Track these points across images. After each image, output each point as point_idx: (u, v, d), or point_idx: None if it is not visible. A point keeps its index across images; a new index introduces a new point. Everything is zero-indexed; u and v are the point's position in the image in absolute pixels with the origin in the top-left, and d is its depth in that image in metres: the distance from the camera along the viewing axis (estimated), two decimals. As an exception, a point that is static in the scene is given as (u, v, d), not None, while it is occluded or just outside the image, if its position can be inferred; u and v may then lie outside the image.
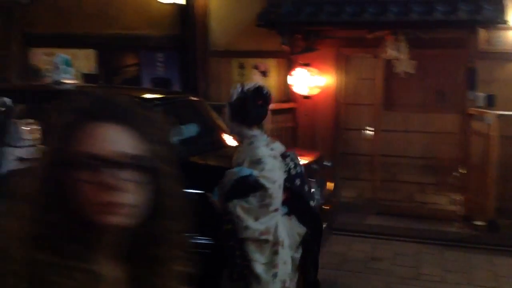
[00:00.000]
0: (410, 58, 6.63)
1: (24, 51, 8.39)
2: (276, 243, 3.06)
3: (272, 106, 6.81)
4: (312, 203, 3.35)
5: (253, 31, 7.09)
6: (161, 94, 5.20)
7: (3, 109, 4.04)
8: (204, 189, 4.05)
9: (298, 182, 3.24)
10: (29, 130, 4.66)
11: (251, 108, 3.14)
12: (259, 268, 3.01)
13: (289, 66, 7.13)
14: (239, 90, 3.17)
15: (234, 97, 3.17)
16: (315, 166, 4.63)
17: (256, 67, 7.40)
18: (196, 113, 5.17)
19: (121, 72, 8.39)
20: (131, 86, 7.40)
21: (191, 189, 3.95)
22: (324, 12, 6.56)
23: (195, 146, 4.65)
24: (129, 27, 7.89)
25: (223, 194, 3.14)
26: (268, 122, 3.44)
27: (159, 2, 7.22)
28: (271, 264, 3.04)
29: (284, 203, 3.17)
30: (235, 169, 3.15)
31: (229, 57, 7.52)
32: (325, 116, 7.19)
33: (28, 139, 4.63)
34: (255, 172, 3.03)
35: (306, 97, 6.94)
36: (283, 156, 3.24)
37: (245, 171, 3.07)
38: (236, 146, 4.89)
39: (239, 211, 3.02)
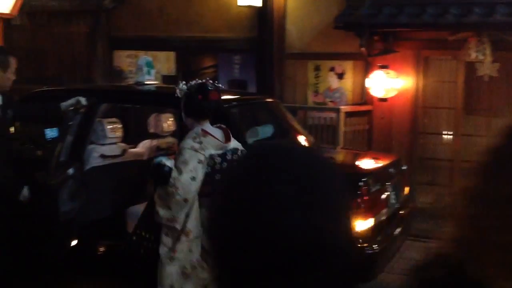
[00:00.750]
0: (493, 60, 6.38)
1: (109, 53, 8.76)
2: (181, 231, 3.21)
3: (347, 108, 6.87)
4: None
5: (330, 33, 7.06)
6: (238, 95, 5.28)
7: (82, 109, 4.24)
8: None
9: (218, 176, 3.27)
10: (112, 128, 4.88)
11: (194, 103, 3.31)
12: (162, 249, 3.26)
13: (366, 68, 7.04)
14: (184, 87, 3.40)
15: (182, 94, 3.39)
16: (391, 170, 4.55)
17: (332, 69, 7.36)
18: (271, 114, 5.22)
19: (199, 74, 8.58)
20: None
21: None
22: (405, 14, 6.44)
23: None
24: (208, 30, 8.06)
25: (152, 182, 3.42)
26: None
27: (238, 5, 7.33)
28: (171, 249, 3.24)
29: (207, 195, 3.23)
30: (157, 158, 3.38)
31: (305, 59, 7.53)
32: (402, 120, 7.04)
33: (111, 137, 4.85)
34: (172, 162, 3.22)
35: (382, 100, 6.83)
36: (224, 152, 3.33)
37: (159, 160, 3.28)
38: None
39: (155, 197, 3.25)
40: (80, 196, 4.18)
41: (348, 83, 7.31)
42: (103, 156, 4.74)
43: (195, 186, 3.21)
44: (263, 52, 7.59)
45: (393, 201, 4.44)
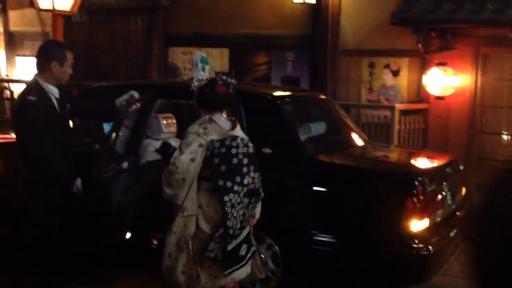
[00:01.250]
0: (559, 58, 6.12)
1: (164, 50, 8.90)
2: (180, 208, 3.51)
3: (402, 106, 6.74)
4: (220, 183, 3.47)
5: (386, 29, 6.94)
6: (291, 91, 5.27)
7: (136, 103, 4.31)
8: (329, 187, 4.06)
9: (216, 160, 3.48)
10: (167, 123, 4.95)
11: (204, 96, 3.63)
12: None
13: (423, 66, 6.89)
14: (196, 83, 3.72)
15: (196, 88, 3.70)
16: (448, 169, 4.44)
17: (387, 66, 7.23)
18: (324, 111, 5.18)
19: (252, 71, 8.60)
20: (261, 84, 7.57)
21: (315, 186, 4.03)
22: (464, 10, 6.25)
23: (323, 144, 4.66)
24: (262, 27, 8.06)
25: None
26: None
27: (292, 2, 7.31)
28: (171, 222, 3.57)
29: (208, 179, 3.52)
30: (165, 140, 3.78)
31: (359, 56, 7.43)
32: (459, 119, 6.86)
33: (166, 132, 4.92)
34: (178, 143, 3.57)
35: (439, 98, 6.66)
36: (224, 139, 3.53)
37: (166, 140, 3.72)
38: (361, 145, 4.86)
39: (162, 175, 3.53)
40: (135, 189, 4.26)
41: (403, 80, 7.17)
42: (158, 151, 4.81)
43: (194, 167, 3.46)
44: (316, 49, 7.53)
45: (449, 201, 4.32)
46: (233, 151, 3.51)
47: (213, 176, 3.50)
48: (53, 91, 3.74)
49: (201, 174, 3.50)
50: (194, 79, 3.80)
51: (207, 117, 3.61)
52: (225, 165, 3.48)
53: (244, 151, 3.53)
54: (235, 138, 3.58)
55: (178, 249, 3.55)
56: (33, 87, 3.70)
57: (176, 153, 3.49)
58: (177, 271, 3.54)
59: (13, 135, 5.65)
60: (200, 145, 3.50)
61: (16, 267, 4.79)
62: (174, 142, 3.67)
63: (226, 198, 3.45)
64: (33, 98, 3.59)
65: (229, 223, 3.44)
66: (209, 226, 3.53)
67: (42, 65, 3.74)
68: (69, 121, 4.02)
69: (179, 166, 3.44)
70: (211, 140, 3.52)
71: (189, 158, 3.45)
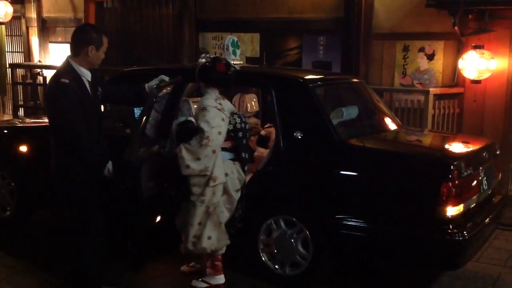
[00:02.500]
0: None
1: (195, 35, 8.89)
2: (209, 178, 3.81)
3: (436, 91, 6.61)
4: (244, 155, 4.03)
5: (421, 12, 6.78)
6: (322, 75, 5.19)
7: (166, 87, 4.31)
8: (361, 171, 4.00)
9: (240, 134, 4.00)
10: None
11: (207, 71, 3.99)
12: (193, 197, 3.86)
13: (459, 49, 6.72)
14: (203, 60, 4.08)
15: (201, 63, 4.06)
16: (484, 154, 4.32)
17: (422, 50, 7.08)
18: (357, 95, 5.10)
19: (283, 56, 8.53)
20: (292, 67, 7.50)
21: (347, 171, 3.97)
22: (502, -10, 6.07)
23: (355, 128, 4.59)
24: (294, 11, 7.98)
25: (172, 141, 3.91)
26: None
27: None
28: (201, 194, 3.85)
29: (230, 150, 3.99)
30: (176, 119, 4.01)
31: (393, 39, 7.28)
32: (496, 103, 6.68)
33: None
34: (198, 118, 3.84)
35: (475, 82, 6.50)
36: (232, 113, 4.00)
37: (183, 118, 3.94)
38: (394, 130, 4.78)
39: (183, 152, 3.75)
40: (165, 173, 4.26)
41: (438, 64, 7.01)
42: (178, 128, 4.80)
43: (221, 140, 3.85)
44: (349, 33, 7.41)
45: (485, 187, 4.22)
46: (247, 126, 4.07)
47: (239, 148, 3.99)
48: (86, 74, 3.76)
49: (224, 145, 3.92)
50: (202, 55, 4.18)
51: (217, 92, 3.99)
52: (245, 139, 4.03)
53: (248, 127, 4.13)
54: (243, 114, 4.10)
55: (207, 216, 3.88)
56: (66, 70, 3.71)
57: (206, 128, 3.75)
58: (203, 237, 3.89)
59: (46, 120, 5.76)
60: (223, 119, 3.87)
61: (52, 251, 4.89)
62: (187, 118, 3.96)
63: (246, 168, 4.06)
64: (66, 81, 3.61)
65: (244, 191, 4.02)
66: (235, 192, 3.99)
67: (78, 49, 3.73)
68: (101, 105, 4.03)
69: (211, 139, 3.75)
70: (232, 114, 3.98)
71: (217, 132, 3.79)
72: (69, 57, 3.77)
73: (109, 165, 3.76)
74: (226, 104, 4.01)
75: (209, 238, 3.90)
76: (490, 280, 4.50)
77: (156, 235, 4.63)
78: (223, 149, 3.93)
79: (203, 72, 4.02)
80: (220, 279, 4.12)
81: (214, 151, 3.80)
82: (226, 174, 3.95)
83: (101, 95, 3.91)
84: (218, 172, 3.87)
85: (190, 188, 3.86)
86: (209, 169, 3.79)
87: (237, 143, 4.00)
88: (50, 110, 3.77)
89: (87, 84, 3.75)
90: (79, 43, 3.74)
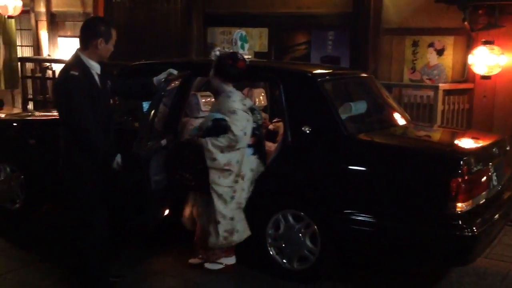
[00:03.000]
0: None
1: (203, 30, 8.88)
2: (238, 175, 4.08)
3: (446, 86, 6.57)
4: (263, 149, 4.37)
5: (431, 6, 6.75)
6: (331, 69, 5.17)
7: (174, 80, 4.30)
8: (370, 166, 3.99)
9: (259, 131, 4.32)
10: (205, 102, 4.94)
11: (227, 67, 4.11)
12: (221, 189, 4.03)
13: (468, 44, 6.68)
14: (218, 53, 4.18)
15: (215, 57, 4.16)
16: (494, 150, 4.29)
17: (431, 45, 7.04)
18: (366, 90, 5.07)
19: (291, 51, 8.52)
20: (301, 62, 7.48)
21: (355, 166, 3.96)
22: (512, -15, 6.03)
23: (364, 123, 4.57)
24: (303, 6, 7.95)
25: (200, 131, 4.15)
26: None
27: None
28: (231, 189, 4.07)
29: (251, 145, 4.22)
30: (212, 114, 4.15)
31: (402, 34, 7.26)
32: (506, 99, 6.66)
33: (205, 111, 4.91)
34: (228, 119, 4.01)
35: (485, 77, 6.46)
36: (252, 109, 4.21)
37: (219, 115, 4.06)
38: (403, 125, 4.76)
39: (210, 146, 3.97)
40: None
41: (447, 59, 6.98)
42: (211, 125, 4.80)
43: (247, 139, 4.11)
44: (358, 28, 7.39)
45: (495, 183, 4.19)
46: (262, 120, 4.38)
47: (261, 144, 4.32)
48: (95, 67, 3.75)
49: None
50: (214, 51, 4.23)
51: (239, 92, 4.22)
52: (261, 135, 4.31)
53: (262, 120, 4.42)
54: (258, 108, 4.39)
55: (239, 211, 4.13)
56: (75, 62, 3.71)
57: (234, 128, 3.99)
58: (234, 231, 4.11)
59: (55, 113, 5.77)
60: (248, 120, 4.11)
61: (59, 244, 4.91)
62: (227, 118, 4.06)
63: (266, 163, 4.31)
64: (75, 73, 3.60)
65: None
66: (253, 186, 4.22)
67: (87, 41, 3.73)
68: (110, 98, 4.02)
69: (239, 140, 4.01)
70: (253, 113, 4.21)
71: (243, 133, 4.04)
72: (78, 50, 3.76)
73: (118, 158, 3.75)
74: (248, 102, 4.23)
75: (237, 231, 4.12)
76: (499, 276, 4.48)
77: (163, 228, 4.64)
78: (247, 145, 4.17)
79: (222, 67, 4.13)
80: (233, 259, 4.32)
81: (238, 149, 4.06)
82: (251, 170, 4.19)
83: (110, 88, 3.91)
84: (246, 170, 4.14)
85: (215, 180, 4.03)
86: (233, 164, 4.03)
87: (259, 138, 4.31)
88: (59, 102, 3.77)
89: (96, 77, 3.74)
90: (88, 36, 3.73)
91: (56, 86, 3.83)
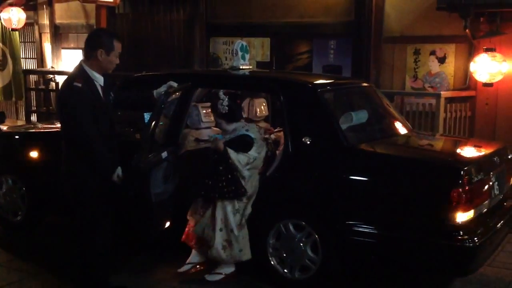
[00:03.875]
0: None
1: (206, 40, 8.91)
2: (245, 194, 4.21)
3: (448, 94, 6.56)
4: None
5: (432, 14, 6.76)
6: (332, 79, 5.17)
7: (175, 93, 4.31)
8: (371, 177, 3.98)
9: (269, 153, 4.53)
10: (206, 113, 4.94)
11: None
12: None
13: (470, 52, 6.68)
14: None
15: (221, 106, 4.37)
16: (495, 159, 4.27)
17: (433, 53, 7.04)
18: (367, 99, 5.07)
19: (293, 60, 8.53)
20: (302, 72, 7.49)
21: (356, 176, 3.95)
22: (513, -7, 6.02)
23: (365, 133, 4.56)
24: (305, 15, 7.97)
25: (227, 142, 4.26)
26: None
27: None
28: (243, 203, 4.25)
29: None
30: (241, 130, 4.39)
31: (404, 43, 7.26)
32: (508, 106, 6.64)
33: (206, 122, 4.92)
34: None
35: (487, 85, 6.45)
36: (265, 139, 4.58)
37: (246, 132, 4.34)
38: (405, 134, 4.74)
39: (232, 155, 4.15)
40: (174, 178, 4.27)
41: (449, 67, 6.98)
42: (197, 140, 4.82)
43: (259, 162, 4.34)
44: (359, 37, 7.40)
45: (496, 192, 4.17)
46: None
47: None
48: (99, 79, 3.77)
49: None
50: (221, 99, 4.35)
51: (252, 124, 4.62)
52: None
53: None
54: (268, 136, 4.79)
55: (240, 228, 4.19)
56: (79, 74, 3.73)
57: (254, 153, 4.25)
58: (235, 248, 4.17)
59: (58, 125, 5.79)
60: (262, 146, 4.41)
61: (61, 255, 4.91)
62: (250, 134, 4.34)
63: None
64: (79, 84, 3.62)
65: None
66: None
67: (89, 52, 3.75)
68: (112, 110, 4.03)
69: (256, 165, 4.27)
70: (266, 142, 4.55)
71: (259, 155, 4.32)
72: (82, 61, 3.79)
73: (119, 170, 3.76)
74: (262, 131, 4.72)
75: (240, 250, 4.19)
76: (502, 285, 4.45)
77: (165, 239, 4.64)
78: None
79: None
80: (232, 267, 4.32)
81: (256, 168, 4.31)
82: (255, 192, 4.30)
83: (113, 100, 3.92)
84: (252, 191, 4.24)
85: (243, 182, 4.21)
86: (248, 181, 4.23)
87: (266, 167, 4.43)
88: (62, 113, 3.77)
89: (99, 89, 3.76)
90: (90, 47, 3.76)
91: (60, 97, 3.86)
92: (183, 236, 4.45)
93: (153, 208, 3.99)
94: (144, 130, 4.15)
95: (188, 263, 4.48)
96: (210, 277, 4.31)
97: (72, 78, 3.71)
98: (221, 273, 4.31)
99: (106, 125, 3.77)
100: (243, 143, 4.26)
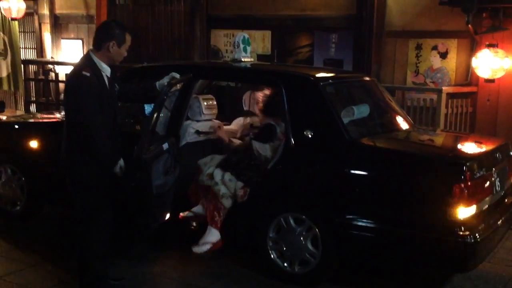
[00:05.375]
0: None
1: (206, 32, 8.87)
2: None
3: (449, 89, 6.54)
4: None
5: (435, 9, 6.73)
6: (333, 73, 5.15)
7: (177, 84, 4.29)
8: (372, 171, 3.96)
9: None
10: (207, 105, 4.92)
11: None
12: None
13: (472, 47, 6.66)
14: None
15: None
16: (497, 155, 4.26)
17: (435, 48, 7.02)
18: (368, 93, 5.04)
19: (294, 53, 8.50)
20: (303, 65, 7.46)
21: (358, 170, 3.94)
22: (517, -12, 6.00)
23: (366, 127, 4.54)
24: (306, 8, 7.94)
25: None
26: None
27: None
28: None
29: None
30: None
31: (406, 37, 7.23)
32: (509, 102, 6.62)
33: (207, 114, 4.90)
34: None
35: (489, 81, 6.43)
36: None
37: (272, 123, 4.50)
38: (406, 129, 4.74)
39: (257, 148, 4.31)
40: (175, 170, 4.25)
41: (451, 62, 6.95)
42: (198, 133, 4.80)
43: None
44: (361, 30, 7.37)
45: (498, 188, 4.16)
46: None
47: None
48: (106, 70, 3.76)
49: None
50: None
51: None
52: None
53: None
54: None
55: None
56: (87, 63, 3.71)
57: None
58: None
59: (58, 115, 5.77)
60: None
61: (60, 246, 4.90)
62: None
63: None
64: (87, 74, 3.61)
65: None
66: None
67: (100, 43, 3.74)
68: (117, 101, 4.01)
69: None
70: None
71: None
72: (90, 51, 3.77)
73: (121, 162, 3.75)
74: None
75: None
76: (502, 281, 4.45)
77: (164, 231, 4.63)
78: None
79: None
80: (217, 234, 4.24)
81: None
82: None
83: (118, 92, 3.91)
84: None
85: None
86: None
87: None
88: (68, 102, 3.75)
89: (106, 80, 3.75)
90: (101, 38, 3.75)
91: (68, 86, 3.81)
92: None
93: (153, 200, 3.97)
94: (146, 121, 4.13)
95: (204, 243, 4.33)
96: (197, 249, 4.27)
97: (80, 67, 3.70)
98: (207, 242, 4.26)
99: (110, 115, 3.76)
100: (266, 133, 4.48)
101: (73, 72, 3.77)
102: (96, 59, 3.72)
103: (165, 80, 4.08)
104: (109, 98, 3.76)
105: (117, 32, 3.75)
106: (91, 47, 3.84)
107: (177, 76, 4.14)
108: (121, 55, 3.80)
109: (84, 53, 3.83)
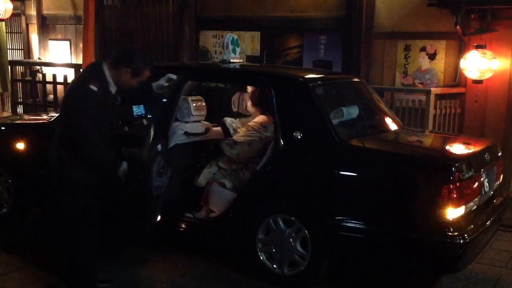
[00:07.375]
0: None
1: (195, 33, 8.83)
2: None
3: (438, 90, 6.57)
4: None
5: (423, 10, 6.73)
6: (323, 74, 5.15)
7: (167, 84, 4.27)
8: (361, 172, 3.96)
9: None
10: (196, 106, 4.90)
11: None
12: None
13: (461, 49, 6.68)
14: None
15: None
16: (486, 155, 4.27)
17: (423, 49, 7.03)
18: (358, 94, 5.05)
19: (283, 54, 8.48)
20: (292, 66, 7.45)
21: (347, 171, 3.93)
22: (506, -11, 6.03)
23: (356, 128, 4.54)
24: (295, 9, 7.93)
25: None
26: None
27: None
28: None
29: None
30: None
31: (394, 38, 7.23)
32: (497, 103, 6.64)
33: (195, 115, 4.88)
34: None
35: (477, 82, 6.45)
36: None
37: None
38: (395, 130, 4.75)
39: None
40: (167, 172, 4.22)
41: (440, 64, 6.97)
42: (187, 134, 4.78)
43: None
44: (350, 32, 7.36)
45: (486, 189, 4.17)
46: None
47: None
48: (112, 87, 3.71)
49: None
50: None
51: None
52: None
53: None
54: None
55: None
56: (96, 75, 3.64)
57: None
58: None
59: (45, 117, 5.71)
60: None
61: (47, 249, 4.85)
62: None
63: None
64: (95, 88, 3.55)
65: None
66: None
67: (117, 64, 3.68)
68: (117, 114, 3.97)
69: None
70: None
71: None
72: (105, 63, 3.71)
73: (124, 165, 3.70)
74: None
75: None
76: (491, 281, 4.46)
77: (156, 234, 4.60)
78: None
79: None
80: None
81: None
82: None
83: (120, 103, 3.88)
84: None
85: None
86: None
87: None
88: (68, 111, 3.66)
89: (111, 92, 3.70)
90: (120, 60, 3.70)
91: (70, 93, 3.72)
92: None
93: (150, 202, 3.94)
94: (149, 123, 4.09)
95: None
96: None
97: (87, 78, 3.63)
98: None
99: (107, 126, 3.74)
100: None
101: (78, 82, 3.70)
102: (107, 74, 3.66)
103: (162, 82, 4.06)
104: (110, 110, 3.74)
105: (138, 63, 3.69)
106: (108, 60, 3.76)
107: (174, 77, 4.13)
108: (130, 84, 3.73)
109: (94, 61, 3.77)
